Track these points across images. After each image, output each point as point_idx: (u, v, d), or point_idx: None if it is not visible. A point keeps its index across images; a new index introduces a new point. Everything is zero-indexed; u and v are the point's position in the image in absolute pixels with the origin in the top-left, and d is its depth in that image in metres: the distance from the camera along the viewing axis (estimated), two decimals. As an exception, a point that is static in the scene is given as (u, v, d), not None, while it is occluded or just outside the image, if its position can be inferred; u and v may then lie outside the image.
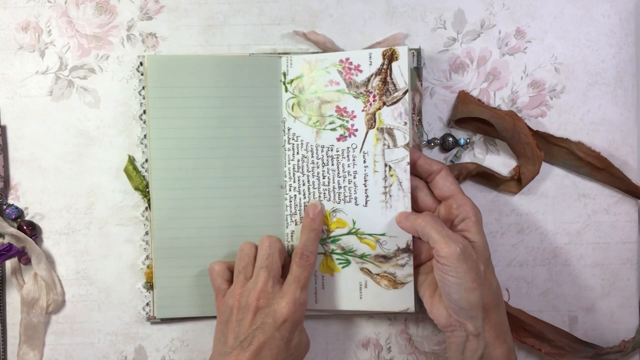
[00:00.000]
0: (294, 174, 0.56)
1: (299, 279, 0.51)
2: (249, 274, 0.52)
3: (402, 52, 0.53)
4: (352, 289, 0.55)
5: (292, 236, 0.56)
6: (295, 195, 0.56)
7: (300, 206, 0.55)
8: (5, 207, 0.56)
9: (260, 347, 0.48)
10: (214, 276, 0.53)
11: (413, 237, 0.53)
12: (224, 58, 0.55)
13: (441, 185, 0.53)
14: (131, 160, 0.57)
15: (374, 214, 0.54)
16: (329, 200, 0.55)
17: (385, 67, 0.53)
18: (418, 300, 0.54)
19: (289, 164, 0.56)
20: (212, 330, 0.57)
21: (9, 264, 0.57)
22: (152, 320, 0.57)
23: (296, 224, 0.56)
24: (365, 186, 0.54)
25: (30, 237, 0.56)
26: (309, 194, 0.55)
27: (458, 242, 0.48)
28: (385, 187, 0.53)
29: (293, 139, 0.56)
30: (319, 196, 0.55)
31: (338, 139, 0.54)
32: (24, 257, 0.56)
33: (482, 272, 0.48)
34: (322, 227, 0.54)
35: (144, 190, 0.56)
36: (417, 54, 0.57)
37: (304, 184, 0.55)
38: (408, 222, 0.51)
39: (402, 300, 0.54)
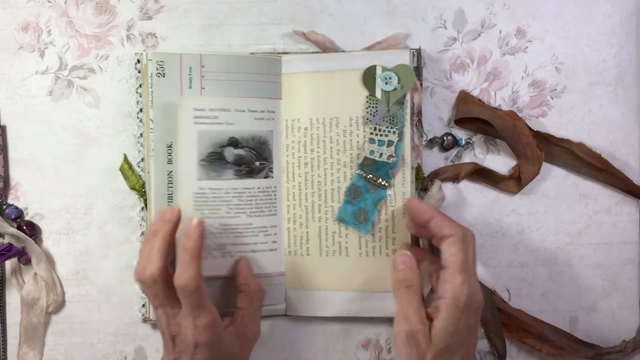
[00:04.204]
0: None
1: (187, 305, 0.47)
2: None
3: None
4: None
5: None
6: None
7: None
8: (5, 207, 0.56)
9: None
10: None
11: None
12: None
13: (444, 252, 0.48)
14: (127, 159, 0.57)
15: None
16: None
17: None
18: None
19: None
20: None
21: (9, 264, 0.57)
22: (149, 322, 0.57)
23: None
24: None
25: (30, 237, 0.56)
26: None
27: (408, 323, 0.45)
28: None
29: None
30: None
31: None
32: (24, 257, 0.56)
33: None
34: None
35: (140, 190, 0.56)
36: (417, 53, 0.56)
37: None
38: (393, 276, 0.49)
39: None
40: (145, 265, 0.47)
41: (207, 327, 0.47)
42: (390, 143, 0.54)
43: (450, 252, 0.47)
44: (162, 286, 0.47)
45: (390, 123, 0.54)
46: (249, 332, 0.51)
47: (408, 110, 0.55)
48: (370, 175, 0.55)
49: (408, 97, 0.55)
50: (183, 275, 0.46)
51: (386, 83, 0.54)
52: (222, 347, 0.48)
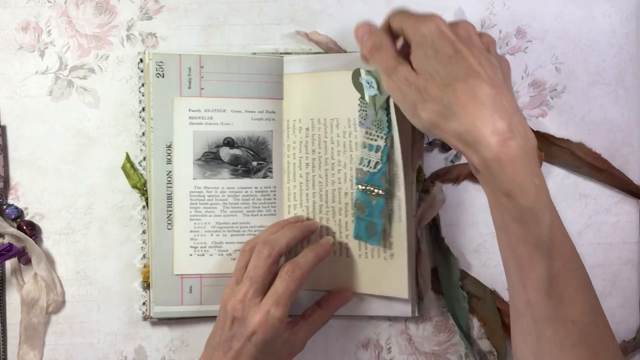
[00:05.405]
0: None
1: (277, 293, 0.49)
2: (240, 278, 0.50)
3: None
4: None
5: None
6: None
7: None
8: (5, 207, 0.56)
9: (237, 354, 0.48)
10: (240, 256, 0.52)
11: None
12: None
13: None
14: (129, 157, 0.57)
15: None
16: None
17: None
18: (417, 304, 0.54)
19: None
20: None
21: (9, 264, 0.57)
22: (149, 319, 0.56)
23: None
24: None
25: (30, 237, 0.56)
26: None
27: (387, 69, 0.44)
28: None
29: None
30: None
31: None
32: (24, 257, 0.56)
33: None
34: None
35: (141, 188, 0.56)
36: (417, 53, 0.56)
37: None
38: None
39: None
40: (275, 240, 0.51)
41: (276, 321, 0.48)
42: (378, 148, 0.52)
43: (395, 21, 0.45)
44: (268, 267, 0.49)
45: (378, 128, 0.51)
46: (298, 341, 0.52)
47: (393, 116, 0.49)
48: (369, 187, 0.52)
49: (391, 103, 0.49)
50: (303, 262, 0.50)
51: (370, 87, 0.50)
52: (274, 345, 0.49)
